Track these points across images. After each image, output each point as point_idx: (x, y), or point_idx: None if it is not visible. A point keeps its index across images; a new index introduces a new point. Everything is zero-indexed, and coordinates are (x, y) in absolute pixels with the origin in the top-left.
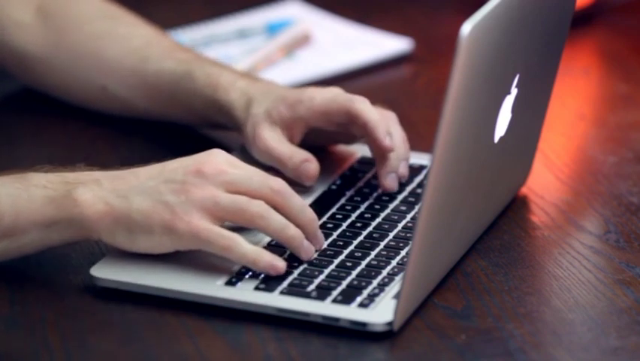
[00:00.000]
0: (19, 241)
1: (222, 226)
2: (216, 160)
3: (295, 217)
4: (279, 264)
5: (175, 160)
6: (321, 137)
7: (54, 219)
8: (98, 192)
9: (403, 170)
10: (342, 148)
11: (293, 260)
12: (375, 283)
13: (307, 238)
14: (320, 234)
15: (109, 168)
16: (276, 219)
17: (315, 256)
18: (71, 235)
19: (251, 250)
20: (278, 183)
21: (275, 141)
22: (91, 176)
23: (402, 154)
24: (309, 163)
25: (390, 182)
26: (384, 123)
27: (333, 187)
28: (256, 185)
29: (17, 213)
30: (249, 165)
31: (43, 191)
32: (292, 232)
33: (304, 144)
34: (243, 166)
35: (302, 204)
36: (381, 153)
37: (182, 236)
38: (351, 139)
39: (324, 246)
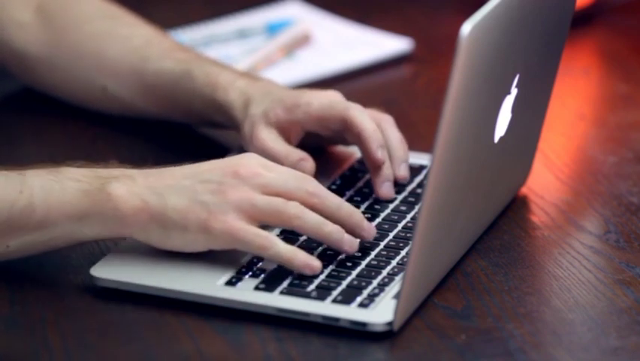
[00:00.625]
0: (50, 234)
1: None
2: (252, 163)
3: (333, 215)
4: (315, 263)
5: (210, 162)
6: (317, 139)
7: (86, 213)
8: (133, 188)
9: (404, 172)
10: (341, 148)
11: None
12: (375, 283)
13: (351, 232)
14: (366, 224)
15: (142, 166)
16: (312, 218)
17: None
18: (102, 230)
19: (286, 249)
20: (313, 185)
21: (271, 140)
22: (124, 172)
23: (400, 157)
24: (304, 162)
25: (385, 190)
26: (379, 136)
27: (333, 187)
28: (292, 187)
29: (49, 205)
30: (284, 167)
31: (76, 184)
32: (329, 228)
33: (301, 145)
34: (278, 169)
35: (338, 202)
36: (373, 164)
37: (217, 236)
38: (348, 142)
39: (324, 246)
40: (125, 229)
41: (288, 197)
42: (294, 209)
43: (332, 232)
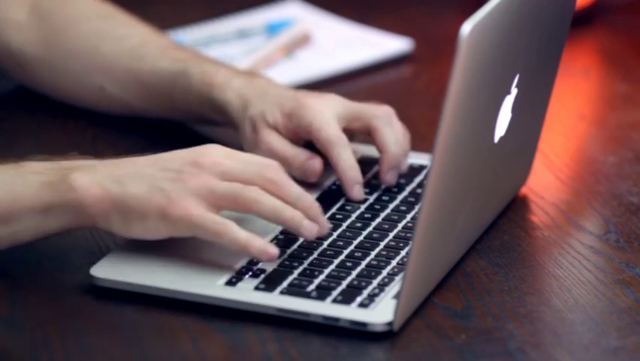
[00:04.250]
0: (15, 227)
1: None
2: (213, 152)
3: (293, 204)
4: (271, 250)
5: (173, 151)
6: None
7: (50, 205)
8: (94, 177)
9: (391, 178)
10: None
11: (293, 260)
12: (375, 283)
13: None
14: (323, 218)
15: (103, 157)
16: (271, 203)
17: (317, 255)
18: (67, 220)
19: (243, 235)
20: (272, 172)
21: (278, 142)
22: (86, 162)
23: (401, 149)
24: (313, 160)
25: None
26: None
27: (333, 187)
28: (251, 174)
29: (13, 198)
30: (247, 154)
31: (38, 177)
32: (289, 213)
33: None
34: (240, 157)
35: (299, 191)
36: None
37: (176, 222)
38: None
39: (324, 246)
40: (87, 218)
41: (247, 183)
42: (252, 193)
43: (292, 217)
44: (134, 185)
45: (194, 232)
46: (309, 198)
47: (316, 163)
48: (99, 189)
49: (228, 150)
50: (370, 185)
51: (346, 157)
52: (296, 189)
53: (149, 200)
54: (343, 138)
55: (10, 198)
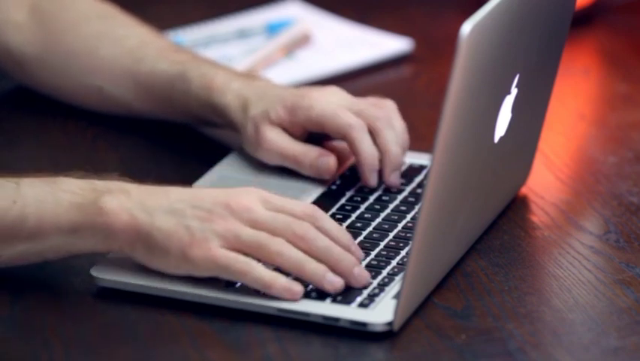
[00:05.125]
0: (41, 245)
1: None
2: (247, 197)
3: (321, 258)
4: (295, 288)
5: (209, 189)
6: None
7: (77, 226)
8: (125, 203)
9: (394, 179)
10: (342, 148)
11: None
12: (375, 283)
13: (341, 277)
14: (357, 270)
15: (142, 181)
16: (294, 257)
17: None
18: (94, 243)
19: (267, 274)
20: (302, 228)
21: (283, 140)
22: (121, 186)
23: (393, 164)
24: (327, 157)
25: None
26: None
27: (333, 187)
28: (279, 226)
29: (42, 216)
30: (283, 199)
31: (70, 196)
32: (311, 267)
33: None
34: (274, 204)
35: (326, 245)
36: (363, 181)
37: (198, 263)
38: None
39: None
40: (114, 243)
41: (274, 234)
42: (277, 246)
43: (314, 272)
44: (162, 218)
45: (216, 272)
46: (338, 254)
47: (331, 160)
48: (128, 216)
49: (265, 194)
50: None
51: (368, 142)
52: (323, 243)
53: (173, 236)
54: (361, 122)
55: (39, 215)
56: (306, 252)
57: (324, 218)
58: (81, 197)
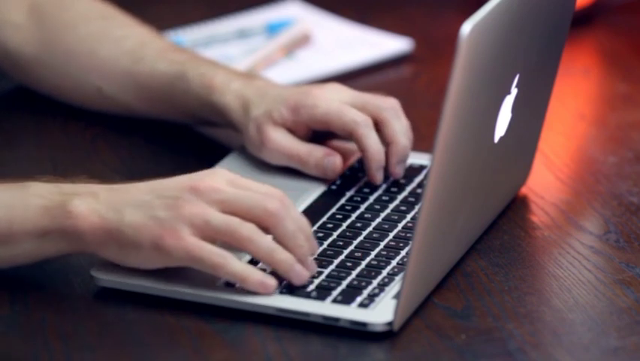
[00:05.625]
0: (13, 250)
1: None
2: (214, 178)
3: (286, 241)
4: (269, 282)
5: (175, 177)
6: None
7: (47, 230)
8: (93, 205)
9: (399, 170)
10: (341, 147)
11: None
12: (375, 283)
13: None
14: (310, 260)
15: (110, 181)
16: (264, 244)
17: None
18: (65, 246)
19: (241, 268)
20: (273, 204)
21: (287, 140)
22: (88, 188)
23: (399, 155)
24: (333, 157)
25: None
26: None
27: (333, 187)
28: (249, 204)
29: (11, 221)
30: (251, 181)
31: (39, 201)
32: (280, 256)
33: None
34: (242, 184)
35: (294, 229)
36: (369, 179)
37: (171, 252)
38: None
39: (324, 247)
40: (85, 245)
41: (245, 215)
42: (248, 231)
43: (282, 260)
44: (130, 214)
45: (190, 263)
46: (302, 240)
47: (337, 160)
48: (96, 217)
49: (231, 175)
50: (370, 185)
51: (374, 138)
52: (292, 226)
53: (143, 229)
54: (368, 119)
55: (9, 220)
56: (274, 231)
57: (292, 205)
58: (49, 201)
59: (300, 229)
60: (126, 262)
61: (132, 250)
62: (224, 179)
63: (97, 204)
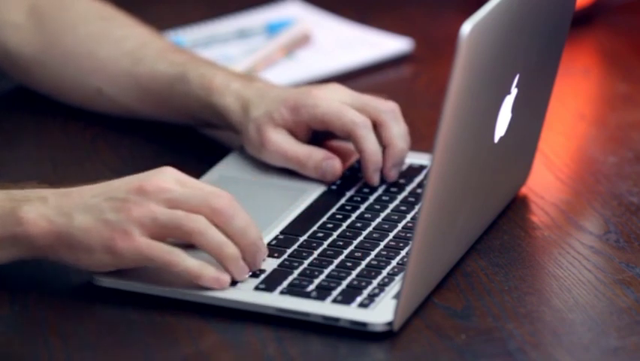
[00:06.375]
0: None
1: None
2: (161, 178)
3: (235, 238)
4: (224, 278)
5: (122, 178)
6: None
7: None
8: (43, 210)
9: (393, 173)
10: (341, 147)
11: (293, 260)
12: (375, 283)
13: (245, 260)
14: (258, 259)
15: (63, 184)
16: (213, 237)
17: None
18: (17, 252)
19: (195, 264)
20: (220, 202)
21: (287, 142)
22: (38, 193)
23: (395, 158)
24: (332, 160)
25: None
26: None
27: (333, 187)
28: (195, 202)
29: None
30: (198, 181)
31: None
32: (228, 251)
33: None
34: (190, 183)
35: (243, 226)
36: (366, 180)
37: (124, 254)
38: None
39: (324, 247)
40: (37, 250)
41: (193, 212)
42: (196, 223)
43: (230, 256)
44: (79, 217)
45: (143, 262)
46: (250, 238)
47: (336, 163)
48: (46, 223)
49: (180, 175)
50: (370, 185)
51: (372, 140)
52: (241, 223)
53: (93, 232)
54: (367, 120)
55: None
56: (222, 229)
57: (239, 206)
58: (0, 208)
59: (249, 226)
60: (80, 265)
61: (84, 253)
62: (172, 178)
63: (46, 209)
